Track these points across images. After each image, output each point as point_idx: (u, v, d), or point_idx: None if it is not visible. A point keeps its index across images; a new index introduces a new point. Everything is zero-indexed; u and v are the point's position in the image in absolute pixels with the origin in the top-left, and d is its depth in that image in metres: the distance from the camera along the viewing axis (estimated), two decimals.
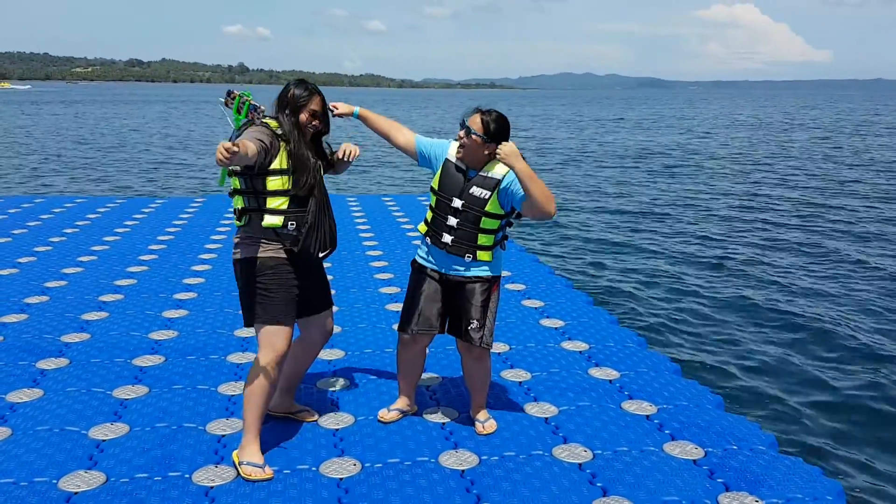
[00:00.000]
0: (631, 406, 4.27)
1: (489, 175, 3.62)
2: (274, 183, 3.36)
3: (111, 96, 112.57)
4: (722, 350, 7.47)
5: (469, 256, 3.66)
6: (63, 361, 4.67)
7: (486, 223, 3.64)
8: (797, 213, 15.01)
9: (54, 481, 3.28)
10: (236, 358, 4.81)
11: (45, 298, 5.99)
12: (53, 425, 3.82)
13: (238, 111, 3.47)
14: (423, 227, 3.80)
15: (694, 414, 4.18)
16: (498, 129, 3.58)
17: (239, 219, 3.45)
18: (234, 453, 3.44)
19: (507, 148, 3.42)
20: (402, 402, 4.03)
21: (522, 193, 3.49)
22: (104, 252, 7.56)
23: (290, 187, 3.38)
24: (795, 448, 5.41)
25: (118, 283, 6.45)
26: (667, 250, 11.78)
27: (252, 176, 3.36)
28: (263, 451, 3.50)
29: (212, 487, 3.28)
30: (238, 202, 3.44)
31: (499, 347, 5.11)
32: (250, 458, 3.37)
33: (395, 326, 4.21)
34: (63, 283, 6.44)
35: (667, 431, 3.98)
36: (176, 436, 3.74)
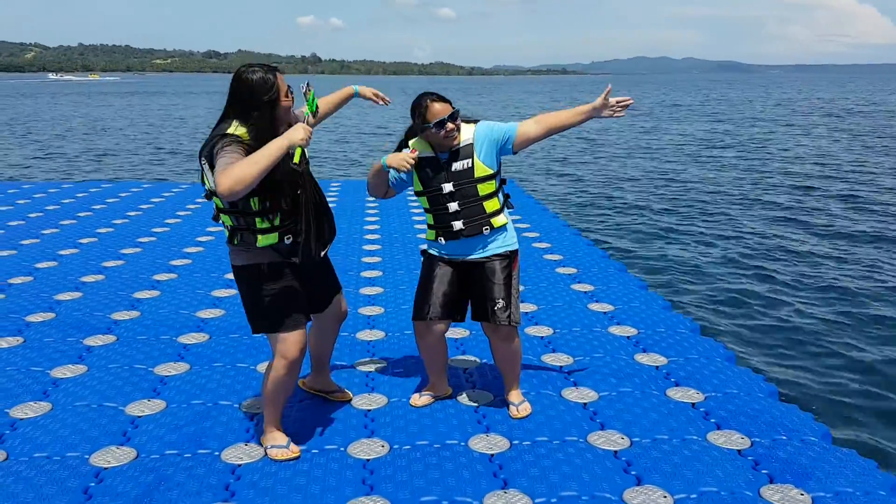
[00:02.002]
0: (676, 393, 4.09)
1: (458, 147, 3.54)
2: (254, 202, 3.03)
3: (185, 87, 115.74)
4: (781, 339, 7.13)
5: (486, 229, 3.57)
6: (110, 338, 4.77)
7: (483, 189, 3.56)
8: (873, 203, 14.25)
9: (86, 456, 3.32)
10: None
11: (100, 277, 6.15)
12: (92, 401, 3.89)
13: (310, 105, 3.24)
14: (430, 234, 3.70)
15: (743, 403, 3.98)
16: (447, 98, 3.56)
17: (231, 240, 3.15)
18: (262, 438, 3.44)
19: None
20: (433, 387, 3.96)
21: (499, 135, 3.55)
22: (164, 234, 7.74)
23: (275, 203, 3.07)
24: (851, 442, 5.11)
25: (173, 262, 6.59)
26: (728, 237, 11.34)
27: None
28: (295, 429, 3.51)
29: (239, 465, 3.28)
30: (227, 221, 3.12)
31: (542, 331, 4.99)
32: (273, 442, 3.38)
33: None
34: (120, 262, 6.61)
35: (712, 420, 3.79)
36: (210, 413, 3.77)
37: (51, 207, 9.22)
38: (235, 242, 3.13)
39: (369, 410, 3.83)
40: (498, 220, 3.59)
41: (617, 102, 3.58)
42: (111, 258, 6.75)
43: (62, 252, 6.96)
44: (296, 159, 2.96)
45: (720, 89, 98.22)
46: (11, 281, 5.98)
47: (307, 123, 3.10)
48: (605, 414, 3.84)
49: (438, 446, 3.48)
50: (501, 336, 3.72)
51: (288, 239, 3.14)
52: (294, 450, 3.35)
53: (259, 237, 3.09)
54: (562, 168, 19.80)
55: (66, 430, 3.54)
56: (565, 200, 14.78)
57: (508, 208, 3.76)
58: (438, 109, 3.45)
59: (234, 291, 5.71)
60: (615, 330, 5.05)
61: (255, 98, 2.97)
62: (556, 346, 4.76)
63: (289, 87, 3.13)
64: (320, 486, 3.11)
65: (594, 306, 5.54)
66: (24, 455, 3.33)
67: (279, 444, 3.36)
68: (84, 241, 7.44)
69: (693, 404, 3.97)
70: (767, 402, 4.00)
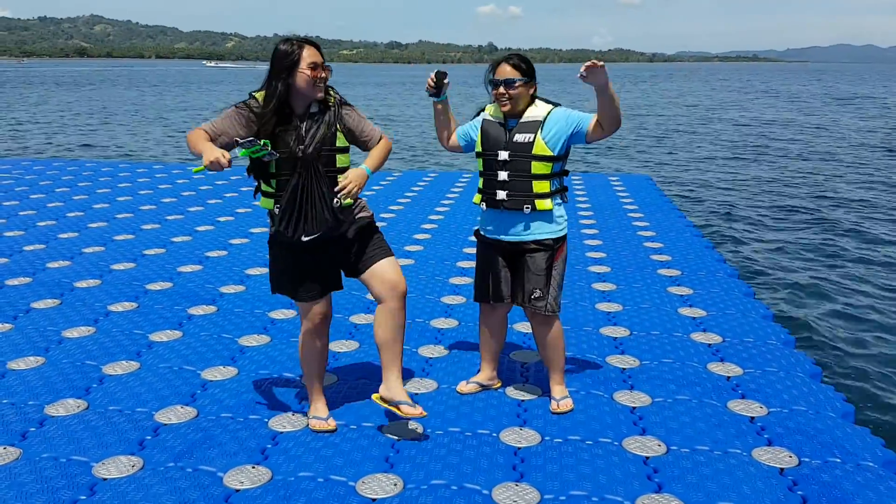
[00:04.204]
0: (738, 406, 3.92)
1: (529, 119, 3.57)
2: (273, 165, 3.25)
3: (374, 77, 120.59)
4: (882, 358, 6.49)
5: (528, 208, 3.58)
6: (211, 309, 5.25)
7: (536, 168, 3.56)
8: None
9: (153, 412, 3.73)
10: (356, 319, 5.11)
11: (223, 253, 6.73)
12: (174, 364, 4.31)
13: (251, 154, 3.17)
14: (477, 197, 3.77)
15: (807, 421, 3.75)
16: (529, 65, 3.60)
17: (254, 195, 3.47)
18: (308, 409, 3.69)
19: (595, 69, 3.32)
20: (482, 376, 4.05)
21: (573, 123, 3.55)
22: None
23: (272, 168, 3.24)
24: None
25: None
26: (855, 249, 10.27)
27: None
28: (337, 405, 3.74)
29: (280, 432, 3.55)
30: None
31: (617, 332, 4.92)
32: (314, 413, 3.62)
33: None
34: (245, 240, 7.18)
35: (765, 436, 3.62)
36: (273, 383, 4.08)
37: (246, 188, 10.19)
38: (257, 199, 3.42)
39: (417, 394, 3.99)
40: (542, 203, 3.59)
41: (585, 68, 3.36)
42: (239, 236, 7.36)
43: (199, 228, 7.67)
44: (194, 171, 3.17)
45: None
46: (208, 254, 6.68)
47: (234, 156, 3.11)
48: (650, 419, 3.76)
49: (469, 434, 3.57)
50: (539, 320, 3.76)
51: (277, 208, 3.27)
52: (331, 423, 3.57)
53: (262, 198, 3.36)
54: (715, 166, 18.84)
55: (142, 388, 3.98)
56: (708, 200, 14.06)
57: (563, 201, 3.76)
58: (501, 70, 3.55)
59: None
60: (697, 336, 4.88)
61: (276, 66, 3.17)
62: (626, 348, 4.69)
63: (324, 65, 3.20)
64: (344, 459, 3.31)
65: (684, 311, 5.36)
66: (101, 408, 3.79)
67: (319, 416, 3.59)
68: (222, 218, 8.17)
69: (752, 418, 3.80)
70: (835, 422, 3.75)
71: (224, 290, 5.67)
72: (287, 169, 3.23)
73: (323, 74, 3.20)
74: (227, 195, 9.63)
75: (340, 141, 3.33)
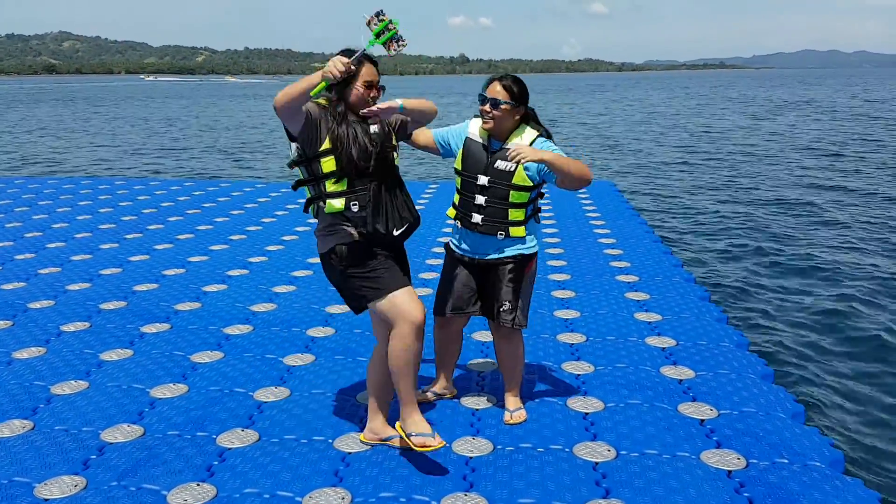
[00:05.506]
0: (688, 409, 3.95)
1: (510, 146, 3.46)
2: (327, 164, 3.19)
3: None
4: (846, 368, 6.49)
5: (501, 234, 3.58)
6: (165, 326, 5.20)
7: (514, 197, 3.55)
8: None
9: (99, 432, 3.67)
10: (312, 332, 5.08)
11: (245, 272, 6.62)
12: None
13: (378, 35, 3.14)
14: (451, 212, 3.76)
15: (757, 422, 3.80)
16: (521, 90, 3.53)
17: (306, 209, 3.39)
18: (397, 424, 3.36)
19: (521, 150, 3.30)
20: (437, 385, 4.05)
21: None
22: (305, 232, 8.18)
23: (343, 167, 3.20)
24: (873, 472, 4.67)
25: (310, 260, 6.93)
26: (809, 254, 10.30)
27: (309, 162, 3.23)
28: (291, 419, 3.70)
29: (228, 449, 3.51)
30: (306, 192, 3.35)
31: (574, 338, 4.95)
32: (416, 429, 3.27)
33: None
34: (264, 258, 7.10)
35: (714, 438, 3.65)
36: (224, 399, 4.04)
37: (207, 205, 10.08)
38: (311, 212, 3.36)
39: (360, 405, 3.97)
40: (517, 231, 3.60)
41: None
42: (257, 254, 7.27)
43: (213, 248, 7.56)
44: (312, 93, 3.03)
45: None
46: (165, 272, 6.59)
47: (363, 58, 3.13)
48: (602, 425, 3.78)
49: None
50: (502, 334, 3.77)
51: (354, 205, 3.20)
52: (438, 440, 3.25)
53: (328, 202, 3.21)
54: (679, 172, 19.05)
55: (91, 408, 3.93)
56: (669, 205, 14.17)
57: (536, 222, 3.76)
58: (492, 88, 3.52)
59: None
60: (652, 340, 4.92)
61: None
62: (581, 354, 4.71)
63: (377, 84, 3.25)
64: (292, 475, 3.28)
65: (640, 315, 5.41)
66: (47, 428, 3.73)
67: (424, 433, 3.25)
68: (234, 237, 8.05)
69: (702, 421, 3.83)
70: (784, 423, 3.80)
71: (179, 307, 5.61)
72: (361, 168, 3.21)
73: (374, 94, 3.24)
74: (190, 212, 9.55)
75: (393, 139, 3.38)
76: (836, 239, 11.18)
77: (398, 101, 3.26)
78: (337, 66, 2.93)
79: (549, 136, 3.65)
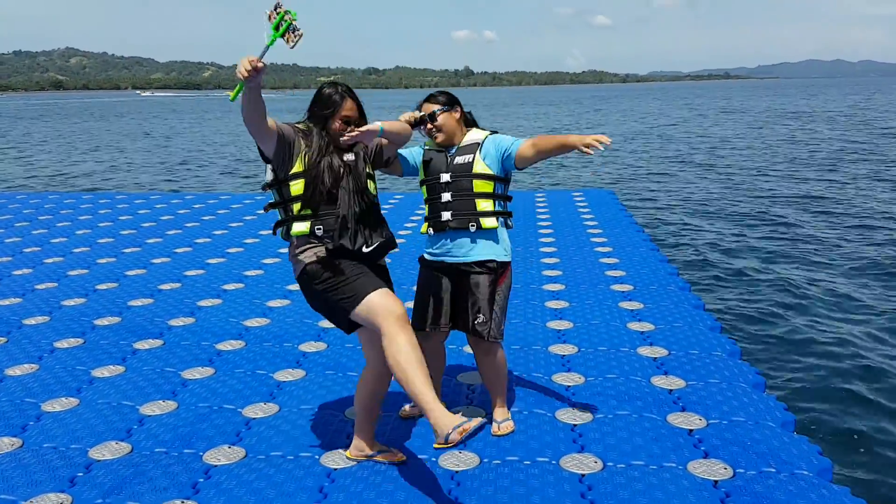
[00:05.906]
0: (677, 419, 3.94)
1: (468, 143, 3.72)
2: (296, 187, 3.25)
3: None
4: (828, 368, 6.54)
5: (473, 226, 3.62)
6: (157, 342, 5.21)
7: (478, 186, 3.65)
8: None
9: (87, 449, 3.68)
10: (304, 347, 5.09)
11: (240, 286, 6.64)
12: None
13: (276, 28, 3.09)
14: (424, 226, 3.80)
15: (746, 431, 3.78)
16: (448, 96, 3.75)
17: (274, 231, 3.44)
18: (435, 445, 2.96)
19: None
20: None
21: (502, 147, 3.65)
22: None
23: (310, 192, 3.25)
24: (862, 482, 4.63)
25: None
26: (806, 264, 10.27)
27: (280, 184, 3.29)
28: (278, 435, 3.70)
29: (214, 466, 3.52)
30: (279, 215, 3.41)
31: (565, 349, 4.94)
32: (447, 430, 2.86)
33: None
34: (259, 272, 7.11)
35: (702, 448, 3.64)
36: (213, 415, 4.05)
37: (207, 217, 10.13)
38: (278, 234, 3.41)
39: (349, 420, 3.97)
40: (486, 222, 3.64)
41: (595, 140, 3.39)
42: (253, 267, 7.28)
43: (210, 261, 7.58)
44: (232, 96, 3.01)
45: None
46: (161, 287, 6.62)
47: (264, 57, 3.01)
48: (590, 436, 3.77)
49: (407, 459, 3.56)
50: (483, 349, 3.77)
51: (318, 229, 3.25)
52: (470, 418, 2.94)
53: (293, 225, 3.28)
54: (679, 182, 19.03)
55: (80, 425, 3.94)
56: (668, 215, 14.15)
57: (507, 227, 3.80)
58: (424, 108, 3.73)
59: None
60: (644, 350, 4.91)
61: (315, 107, 3.36)
62: (572, 365, 4.70)
63: (358, 115, 3.34)
64: (276, 491, 3.28)
65: (633, 325, 5.40)
66: (35, 445, 3.74)
67: (454, 427, 2.86)
68: (231, 250, 8.07)
69: (690, 431, 3.82)
70: (773, 432, 3.78)
71: (173, 322, 5.63)
72: (330, 183, 3.25)
73: (352, 130, 3.28)
74: (188, 225, 9.59)
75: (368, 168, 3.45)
76: (838, 250, 11.14)
77: (377, 125, 3.33)
78: (244, 64, 2.90)
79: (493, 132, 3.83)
